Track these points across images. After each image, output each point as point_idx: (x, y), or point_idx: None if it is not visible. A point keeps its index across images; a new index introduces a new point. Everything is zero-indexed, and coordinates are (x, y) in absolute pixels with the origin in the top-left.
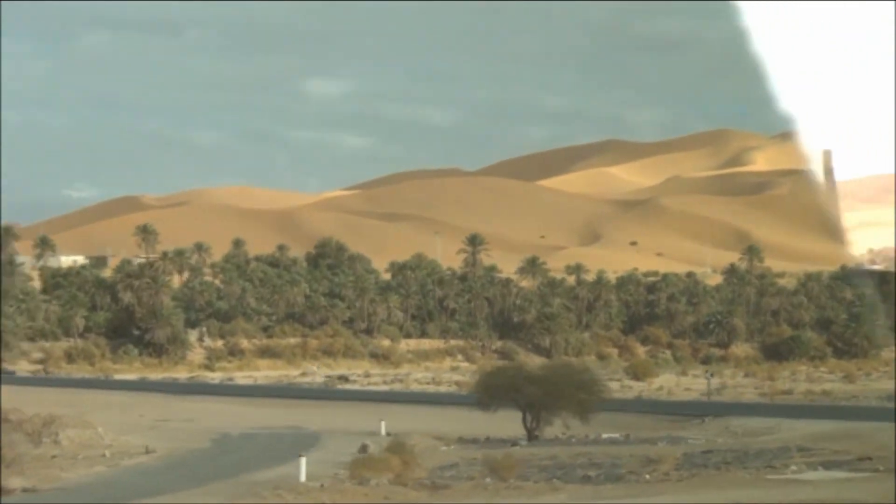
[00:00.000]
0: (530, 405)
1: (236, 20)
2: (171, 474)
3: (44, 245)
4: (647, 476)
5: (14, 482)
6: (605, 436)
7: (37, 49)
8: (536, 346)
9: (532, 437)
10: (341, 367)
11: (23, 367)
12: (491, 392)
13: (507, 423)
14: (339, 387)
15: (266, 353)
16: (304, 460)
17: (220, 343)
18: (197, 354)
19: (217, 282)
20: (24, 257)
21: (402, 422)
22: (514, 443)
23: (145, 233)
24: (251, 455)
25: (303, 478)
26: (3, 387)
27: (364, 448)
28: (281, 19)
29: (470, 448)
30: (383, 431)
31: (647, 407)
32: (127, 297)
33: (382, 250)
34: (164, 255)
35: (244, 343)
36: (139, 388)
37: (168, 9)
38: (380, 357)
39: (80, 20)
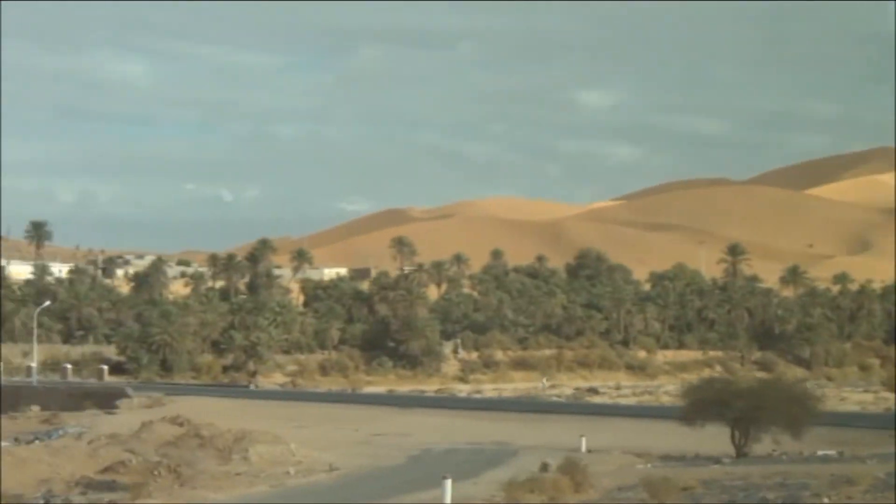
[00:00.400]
0: (738, 420)
1: (510, 32)
2: (324, 496)
3: (301, 258)
4: (826, 499)
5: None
6: (819, 452)
7: (315, 63)
8: (796, 357)
9: (740, 454)
10: (596, 380)
11: (272, 381)
12: (697, 406)
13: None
14: (587, 399)
15: (520, 364)
16: (448, 482)
17: (474, 355)
18: (451, 366)
19: (475, 293)
20: (283, 270)
21: (614, 437)
22: (718, 460)
23: (401, 244)
24: (432, 473)
25: (448, 500)
26: (235, 401)
27: (545, 467)
28: (554, 30)
29: (671, 466)
30: (584, 448)
31: (885, 421)
32: (382, 309)
33: (647, 261)
34: (420, 266)
35: (499, 355)
36: (380, 401)
37: (442, 22)
38: (636, 369)
39: (355, 35)
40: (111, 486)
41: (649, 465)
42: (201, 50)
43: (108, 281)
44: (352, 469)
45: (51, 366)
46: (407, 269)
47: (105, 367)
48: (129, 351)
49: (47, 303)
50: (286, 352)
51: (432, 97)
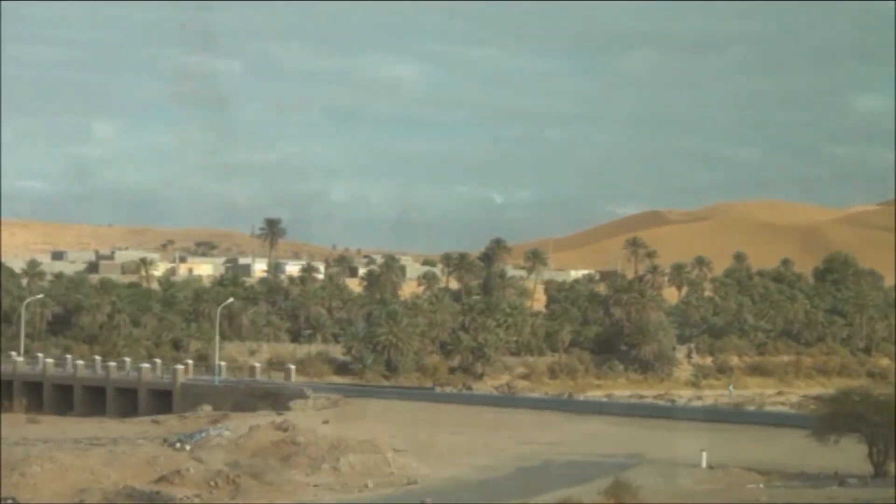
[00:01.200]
0: (875, 436)
1: (784, 36)
2: None
3: (535, 258)
4: None
5: None
6: None
7: (585, 67)
8: None
9: (878, 472)
10: (834, 387)
11: (499, 383)
12: (831, 420)
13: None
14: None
15: (756, 370)
16: None
17: (708, 360)
18: (684, 371)
19: (716, 297)
20: (518, 271)
21: (760, 450)
22: (843, 481)
23: (635, 245)
24: (514, 489)
25: None
26: (417, 404)
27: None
28: (830, 34)
29: (788, 486)
30: (704, 463)
31: None
32: (617, 312)
33: None
34: (655, 268)
35: (734, 360)
36: (574, 408)
37: (714, 26)
38: (877, 377)
39: (626, 38)
40: (152, 498)
41: (760, 485)
42: (473, 53)
43: (341, 280)
44: (434, 482)
45: (276, 365)
46: (643, 272)
47: (293, 367)
48: (354, 351)
49: (230, 300)
50: (515, 354)
51: (700, 100)
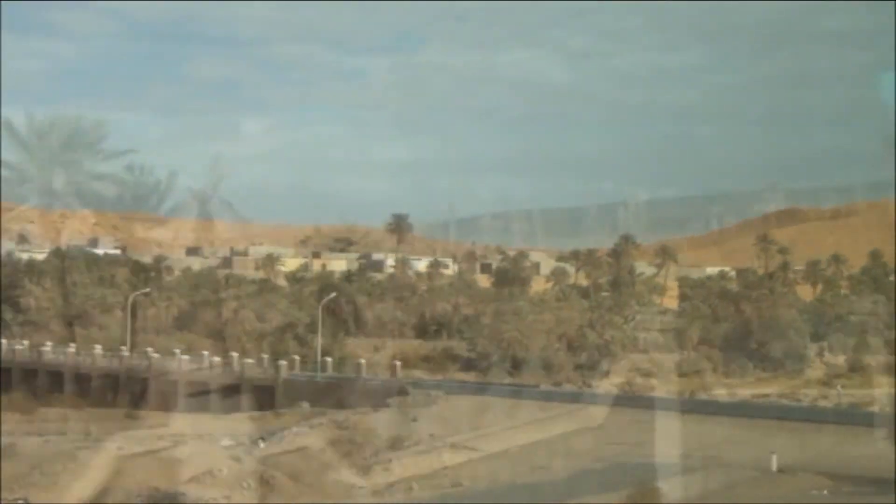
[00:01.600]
0: None
1: None
2: None
3: (664, 255)
4: None
5: None
6: None
7: (732, 63)
8: None
9: None
10: None
11: (613, 382)
12: None
13: None
14: None
15: (889, 369)
16: None
17: (841, 359)
18: (816, 370)
19: (852, 295)
20: (651, 268)
21: (839, 453)
22: None
23: (765, 243)
24: (560, 491)
25: None
26: (521, 401)
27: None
28: None
29: (855, 492)
30: (774, 466)
31: None
32: (747, 310)
33: None
34: (786, 265)
35: (867, 359)
36: (696, 408)
37: (860, 21)
38: None
39: (773, 34)
40: (174, 499)
41: (825, 492)
42: (618, 50)
43: (470, 276)
44: (481, 484)
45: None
46: (774, 268)
47: (398, 363)
48: (479, 348)
49: (333, 294)
50: (643, 351)
51: (852, 96)
